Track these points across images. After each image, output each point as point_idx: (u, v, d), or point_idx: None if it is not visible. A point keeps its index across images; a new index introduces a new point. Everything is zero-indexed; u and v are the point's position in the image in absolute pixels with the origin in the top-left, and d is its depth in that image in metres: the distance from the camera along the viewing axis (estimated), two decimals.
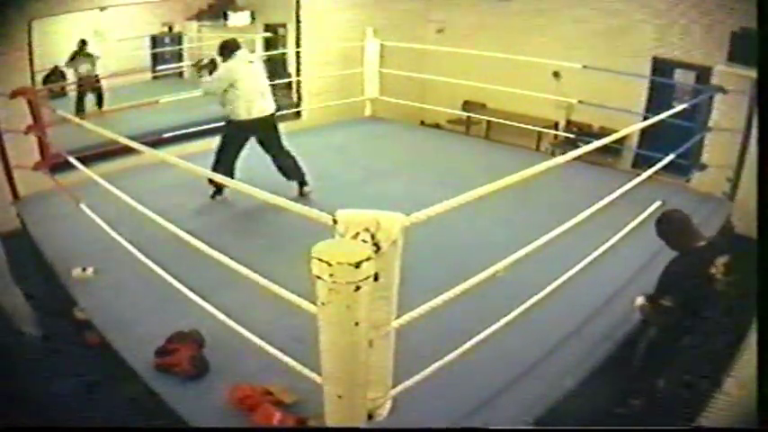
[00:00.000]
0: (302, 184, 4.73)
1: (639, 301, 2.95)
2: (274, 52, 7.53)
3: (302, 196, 4.66)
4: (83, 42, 7.05)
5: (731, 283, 2.74)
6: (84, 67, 7.03)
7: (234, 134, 4.47)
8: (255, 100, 4.37)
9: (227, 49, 4.39)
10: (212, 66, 4.48)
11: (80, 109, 6.83)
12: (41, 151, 4.74)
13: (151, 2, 7.06)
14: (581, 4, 6.11)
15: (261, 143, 4.60)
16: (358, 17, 6.77)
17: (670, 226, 2.92)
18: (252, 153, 4.67)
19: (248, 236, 3.95)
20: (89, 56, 7.07)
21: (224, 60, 4.38)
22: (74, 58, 6.98)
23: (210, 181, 4.46)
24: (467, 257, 3.56)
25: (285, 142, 4.69)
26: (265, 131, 4.52)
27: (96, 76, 7.03)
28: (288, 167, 4.66)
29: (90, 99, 7.01)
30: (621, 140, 5.51)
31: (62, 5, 5.30)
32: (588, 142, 2.89)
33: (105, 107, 6.82)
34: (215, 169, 4.29)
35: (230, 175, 4.37)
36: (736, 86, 4.74)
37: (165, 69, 7.57)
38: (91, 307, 3.29)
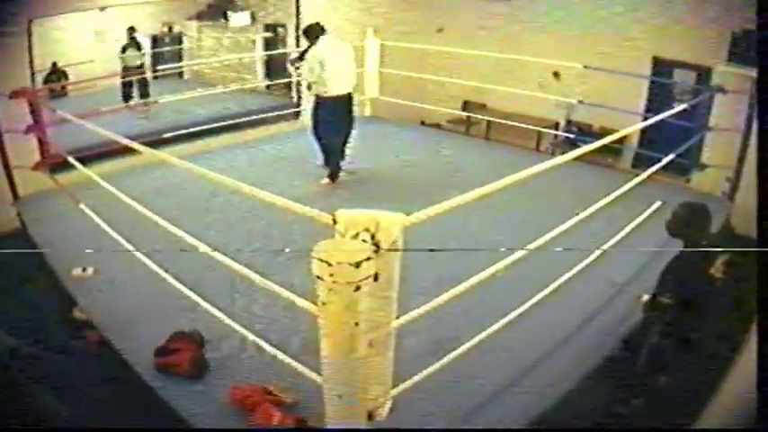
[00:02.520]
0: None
1: (645, 298, 2.96)
2: (274, 52, 7.52)
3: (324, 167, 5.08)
4: (132, 29, 7.13)
5: (731, 282, 2.74)
6: (133, 58, 7.12)
7: (327, 109, 4.82)
8: (340, 78, 4.75)
9: (313, 32, 4.76)
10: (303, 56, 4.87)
11: (127, 99, 6.91)
12: (41, 151, 4.74)
13: (151, 2, 7.06)
14: (581, 3, 6.11)
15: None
16: (358, 17, 6.76)
17: (696, 216, 2.85)
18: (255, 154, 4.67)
19: (249, 235, 3.95)
20: (138, 46, 7.17)
21: (311, 43, 4.74)
22: (125, 49, 7.08)
23: (326, 164, 5.00)
24: (467, 257, 3.57)
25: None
26: (347, 107, 4.90)
27: (142, 65, 7.14)
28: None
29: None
30: (621, 140, 5.51)
31: (62, 5, 5.30)
32: (588, 142, 2.89)
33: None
34: (328, 151, 4.94)
35: (342, 149, 4.97)
36: (736, 86, 4.74)
37: (165, 69, 7.56)
38: (91, 307, 3.29)
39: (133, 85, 7.07)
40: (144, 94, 7.07)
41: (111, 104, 6.74)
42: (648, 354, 2.97)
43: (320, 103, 4.85)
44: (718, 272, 2.75)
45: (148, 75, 7.26)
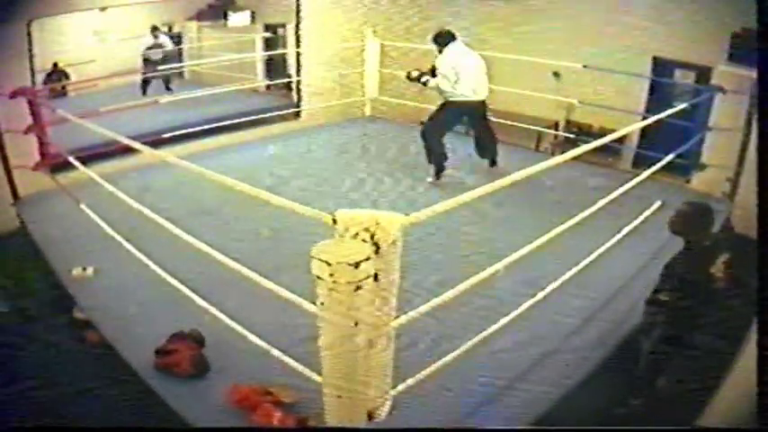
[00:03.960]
0: (493, 162, 5.17)
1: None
2: (274, 52, 7.52)
3: (493, 165, 5.14)
4: (155, 28, 7.23)
5: (731, 282, 2.74)
6: (158, 54, 7.25)
7: (451, 114, 4.92)
8: (475, 83, 4.82)
9: (444, 37, 4.81)
10: (430, 71, 4.95)
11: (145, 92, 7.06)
12: (41, 151, 4.74)
13: (151, 2, 7.06)
14: (581, 3, 6.11)
15: (471, 123, 5.18)
16: (358, 17, 6.76)
17: (700, 216, 2.85)
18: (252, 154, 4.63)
19: (249, 235, 3.95)
20: (159, 44, 7.29)
21: (441, 49, 4.80)
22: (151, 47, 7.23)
23: (431, 162, 5.03)
24: (467, 257, 3.57)
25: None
26: (479, 113, 4.99)
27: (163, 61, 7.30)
28: (484, 146, 5.14)
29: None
30: (621, 140, 5.52)
31: (62, 5, 5.30)
32: (588, 142, 2.89)
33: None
34: (430, 149, 4.96)
35: (444, 152, 4.97)
36: (736, 86, 4.74)
37: (165, 69, 7.56)
38: (91, 307, 3.29)
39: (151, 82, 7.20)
40: (168, 88, 7.21)
41: (111, 104, 6.78)
42: (648, 353, 2.97)
43: (447, 105, 4.91)
44: (719, 271, 2.76)
45: (149, 75, 7.29)
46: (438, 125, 4.98)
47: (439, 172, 5.02)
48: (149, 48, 7.24)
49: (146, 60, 7.26)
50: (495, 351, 2.67)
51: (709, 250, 2.82)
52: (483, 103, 4.98)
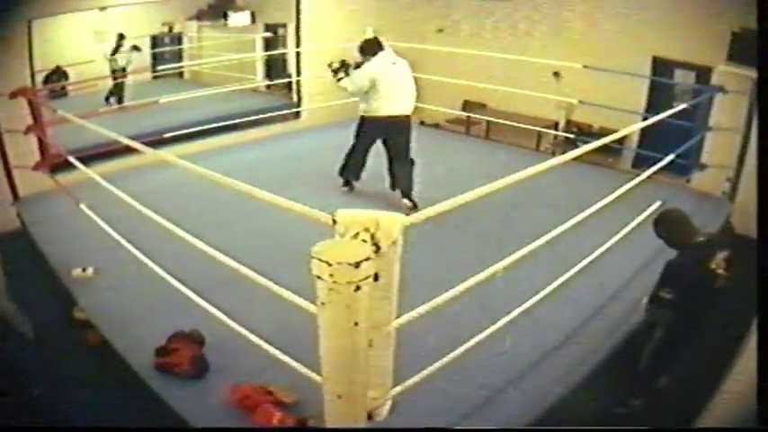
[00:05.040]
0: (407, 196, 4.62)
1: (645, 300, 2.97)
2: (274, 52, 7.53)
3: (407, 200, 4.61)
4: (121, 37, 7.18)
5: (731, 279, 2.75)
6: (121, 62, 7.23)
7: (367, 130, 4.62)
8: (393, 100, 4.45)
9: (370, 48, 4.46)
10: (345, 67, 4.56)
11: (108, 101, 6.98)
12: (41, 151, 4.74)
13: (151, 2, 7.06)
14: (581, 3, 6.12)
15: (386, 143, 4.67)
16: (358, 17, 6.76)
17: (668, 225, 2.93)
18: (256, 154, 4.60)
19: (249, 235, 3.95)
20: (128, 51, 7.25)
21: (365, 60, 4.47)
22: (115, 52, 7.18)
23: (341, 174, 4.92)
24: (467, 257, 3.57)
25: (409, 151, 4.64)
26: (395, 132, 4.57)
27: (123, 70, 7.21)
28: (399, 176, 4.65)
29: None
30: (621, 140, 5.52)
31: (62, 5, 5.31)
32: (588, 142, 2.89)
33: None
34: (346, 162, 4.83)
35: (360, 168, 4.81)
36: (736, 86, 4.74)
37: (165, 69, 7.57)
38: (91, 307, 3.29)
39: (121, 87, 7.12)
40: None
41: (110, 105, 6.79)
42: (649, 352, 2.98)
43: (365, 122, 4.60)
44: (719, 267, 2.76)
45: (148, 75, 7.29)
46: (358, 142, 4.71)
47: (346, 183, 4.94)
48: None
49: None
50: (495, 351, 2.66)
51: (706, 247, 2.83)
52: (406, 118, 4.53)
